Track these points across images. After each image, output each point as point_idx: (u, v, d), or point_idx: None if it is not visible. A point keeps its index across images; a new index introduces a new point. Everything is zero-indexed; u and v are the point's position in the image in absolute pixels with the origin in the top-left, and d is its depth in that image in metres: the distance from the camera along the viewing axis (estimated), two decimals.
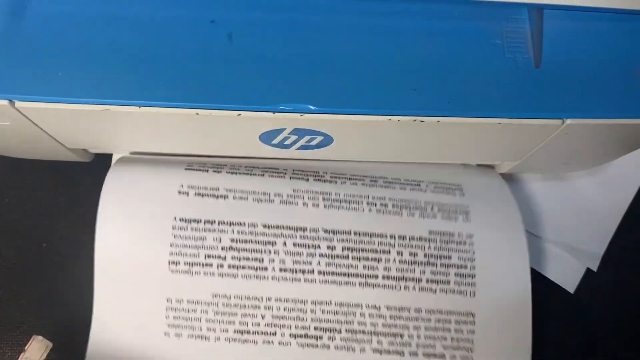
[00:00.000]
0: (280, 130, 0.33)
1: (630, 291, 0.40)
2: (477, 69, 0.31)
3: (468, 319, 0.35)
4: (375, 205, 0.36)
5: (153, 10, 0.30)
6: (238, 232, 0.35)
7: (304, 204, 0.36)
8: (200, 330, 0.34)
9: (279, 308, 0.34)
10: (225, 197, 0.35)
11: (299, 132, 0.33)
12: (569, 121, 0.30)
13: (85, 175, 0.40)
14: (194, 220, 0.35)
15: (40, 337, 0.37)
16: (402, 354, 0.34)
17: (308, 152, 0.36)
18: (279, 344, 0.34)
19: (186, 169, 0.37)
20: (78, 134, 0.35)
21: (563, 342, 0.38)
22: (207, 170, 0.37)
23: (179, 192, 0.35)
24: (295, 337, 0.34)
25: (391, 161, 0.39)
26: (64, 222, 0.40)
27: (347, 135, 0.34)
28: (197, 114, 0.30)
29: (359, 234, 0.35)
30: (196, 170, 0.37)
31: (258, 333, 0.34)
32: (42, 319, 0.37)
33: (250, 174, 0.37)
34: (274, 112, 0.30)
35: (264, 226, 0.35)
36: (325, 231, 0.35)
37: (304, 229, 0.35)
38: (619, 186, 0.42)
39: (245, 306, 0.34)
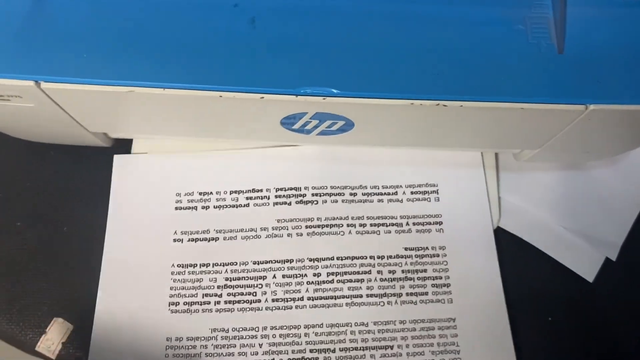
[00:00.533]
0: (302, 115, 0.30)
1: None
2: (500, 54, 0.28)
3: (450, 324, 0.35)
4: (355, 226, 0.36)
5: None
6: (231, 270, 0.35)
7: (288, 234, 0.36)
8: None
9: (275, 335, 0.34)
10: (216, 239, 0.36)
11: (321, 117, 0.30)
12: (592, 107, 0.27)
13: (105, 161, 0.38)
14: (190, 265, 0.35)
15: (61, 320, 0.35)
16: None
17: (328, 138, 0.34)
18: None
19: (176, 208, 0.37)
20: (100, 116, 0.32)
21: (581, 330, 0.36)
22: (196, 208, 0.37)
23: (174, 240, 0.36)
24: None
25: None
26: (84, 207, 0.37)
27: (368, 120, 0.31)
28: (221, 96, 0.27)
29: (342, 259, 0.36)
30: (185, 209, 0.37)
31: None
32: (62, 302, 0.35)
33: (236, 207, 0.37)
34: (296, 95, 0.27)
35: (254, 263, 0.35)
36: (310, 260, 0.36)
37: (291, 260, 0.36)
38: (639, 176, 0.40)
39: (242, 337, 0.34)
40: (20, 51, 0.28)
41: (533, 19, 0.29)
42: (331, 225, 0.37)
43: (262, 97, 0.28)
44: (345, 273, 0.36)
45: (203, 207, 0.37)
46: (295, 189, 0.37)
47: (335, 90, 0.28)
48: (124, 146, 0.38)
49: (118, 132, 0.37)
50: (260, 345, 0.34)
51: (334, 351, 0.34)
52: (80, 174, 0.39)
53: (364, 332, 0.35)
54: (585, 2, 0.29)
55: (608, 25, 0.29)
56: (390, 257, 0.36)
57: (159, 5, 0.29)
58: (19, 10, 0.28)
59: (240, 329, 0.34)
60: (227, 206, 0.37)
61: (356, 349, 0.34)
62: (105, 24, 0.28)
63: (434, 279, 0.36)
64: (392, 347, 0.34)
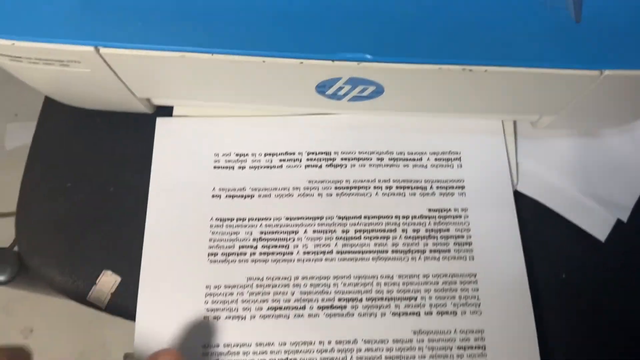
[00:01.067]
0: (336, 80, 0.31)
1: None
2: (522, 22, 0.29)
3: (471, 279, 0.36)
4: (381, 188, 0.38)
5: None
6: (266, 225, 0.37)
7: (319, 194, 0.38)
8: (237, 311, 0.35)
9: (306, 285, 0.36)
10: (251, 196, 0.37)
11: (353, 82, 0.31)
12: (607, 72, 0.28)
13: (148, 127, 0.39)
14: (228, 219, 0.37)
15: (109, 272, 0.36)
16: (418, 314, 0.35)
17: (359, 104, 0.35)
18: (309, 316, 0.35)
19: (215, 167, 0.38)
20: (149, 81, 0.34)
21: (593, 285, 0.38)
22: (233, 167, 0.38)
23: (213, 196, 0.37)
24: (322, 309, 0.35)
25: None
26: (128, 169, 0.39)
27: (397, 85, 0.32)
28: (264, 61, 0.29)
29: (369, 217, 0.37)
30: (223, 168, 0.38)
31: (289, 308, 0.35)
32: (111, 255, 0.37)
33: (270, 167, 0.38)
34: (333, 60, 0.29)
35: (287, 218, 0.37)
36: (339, 217, 0.37)
37: (321, 218, 0.37)
38: None
39: (276, 285, 0.36)
40: (82, 18, 0.29)
41: None
42: (359, 187, 0.38)
43: (302, 63, 0.29)
44: (372, 230, 0.37)
45: (239, 167, 0.38)
46: (326, 153, 0.39)
47: (368, 56, 0.29)
48: (164, 114, 0.40)
49: (162, 98, 0.38)
50: (293, 294, 0.36)
51: (360, 300, 0.36)
52: (124, 139, 0.40)
53: (390, 284, 0.36)
54: None
55: None
56: (415, 217, 0.38)
57: None
58: None
59: (274, 278, 0.36)
60: (261, 167, 0.38)
61: (382, 299, 0.36)
62: None
63: (456, 238, 0.37)
64: (415, 299, 0.36)
